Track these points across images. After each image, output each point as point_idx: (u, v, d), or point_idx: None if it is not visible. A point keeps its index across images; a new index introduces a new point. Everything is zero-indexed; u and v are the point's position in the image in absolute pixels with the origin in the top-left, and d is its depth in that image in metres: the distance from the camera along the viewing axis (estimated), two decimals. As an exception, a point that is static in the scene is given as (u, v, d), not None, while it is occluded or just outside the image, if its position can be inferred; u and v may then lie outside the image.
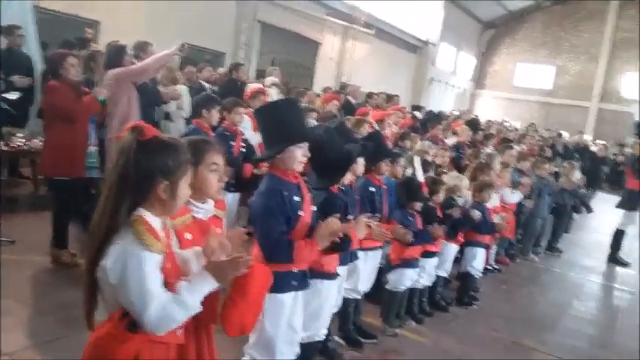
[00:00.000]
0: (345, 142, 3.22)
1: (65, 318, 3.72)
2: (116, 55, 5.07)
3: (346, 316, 3.93)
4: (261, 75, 11.37)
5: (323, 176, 3.01)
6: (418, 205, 4.24)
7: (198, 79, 7.56)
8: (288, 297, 2.73)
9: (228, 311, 2.00)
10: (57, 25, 9.54)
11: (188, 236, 2.02)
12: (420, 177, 4.62)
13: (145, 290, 1.65)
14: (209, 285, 1.78)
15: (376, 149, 3.62)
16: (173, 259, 1.83)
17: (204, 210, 2.15)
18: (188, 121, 6.24)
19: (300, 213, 2.66)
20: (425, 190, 4.46)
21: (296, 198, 2.66)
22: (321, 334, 3.22)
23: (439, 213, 4.55)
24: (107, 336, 1.72)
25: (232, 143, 4.95)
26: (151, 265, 1.67)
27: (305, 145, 2.68)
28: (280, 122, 2.65)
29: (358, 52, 18.19)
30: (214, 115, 4.77)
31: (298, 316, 2.84)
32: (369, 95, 10.09)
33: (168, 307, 1.69)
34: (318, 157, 2.84)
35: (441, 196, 4.54)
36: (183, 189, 1.79)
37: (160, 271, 1.71)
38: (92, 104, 4.58)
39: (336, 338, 3.92)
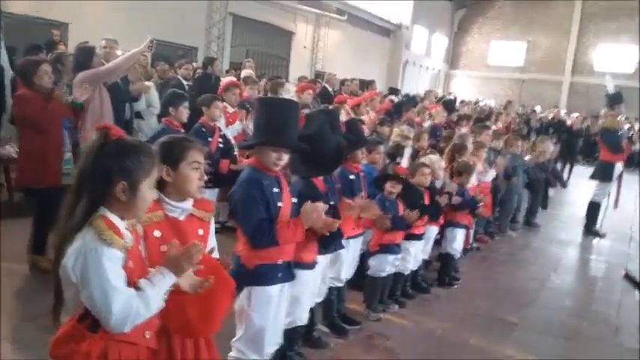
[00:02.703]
0: (332, 129, 3.25)
1: (48, 324, 3.72)
2: (85, 57, 5.02)
3: (330, 304, 3.98)
4: (234, 67, 11.34)
5: (312, 166, 3.02)
6: (397, 187, 4.26)
7: (177, 75, 7.53)
8: (275, 289, 2.77)
9: (167, 315, 1.92)
10: (23, 28, 9.38)
11: (157, 233, 2.03)
12: (405, 163, 4.66)
13: (108, 286, 1.64)
14: (167, 278, 1.78)
15: (353, 138, 3.66)
16: (139, 259, 1.82)
17: (180, 209, 2.13)
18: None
19: (280, 204, 2.70)
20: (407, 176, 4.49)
21: (275, 189, 2.70)
22: (303, 318, 3.27)
23: (426, 198, 4.60)
24: (65, 336, 1.70)
25: (210, 139, 4.97)
26: (112, 261, 1.67)
27: (283, 151, 2.69)
28: (267, 119, 2.68)
29: (331, 39, 18.20)
30: (183, 112, 4.75)
31: (283, 307, 2.90)
32: (342, 82, 10.12)
33: (132, 302, 1.69)
34: (311, 147, 2.87)
35: (424, 179, 4.57)
36: (145, 191, 1.78)
37: (122, 269, 1.71)
38: (61, 110, 4.50)
39: (321, 327, 3.98)
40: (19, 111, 4.49)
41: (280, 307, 2.85)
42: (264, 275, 2.72)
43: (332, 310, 4.04)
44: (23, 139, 4.66)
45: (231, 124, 5.91)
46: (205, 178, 2.23)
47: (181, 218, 2.14)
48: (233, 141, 5.33)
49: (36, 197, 4.74)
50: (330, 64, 17.30)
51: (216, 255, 2.13)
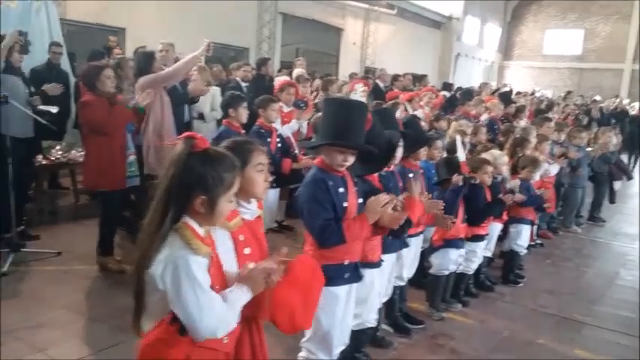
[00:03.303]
0: (386, 128, 3.21)
1: (119, 324, 3.83)
2: (145, 61, 5.13)
3: (392, 303, 3.94)
4: (285, 66, 11.39)
5: (365, 164, 2.96)
6: (459, 178, 4.15)
7: (235, 76, 7.62)
8: (342, 290, 2.75)
9: (274, 307, 2.01)
10: (83, 35, 9.71)
11: (241, 237, 2.07)
12: (462, 157, 4.54)
13: (200, 293, 1.68)
14: (245, 296, 1.84)
15: (414, 136, 3.59)
16: (217, 264, 1.86)
17: (251, 211, 2.17)
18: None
19: (345, 204, 2.67)
20: (466, 171, 4.37)
21: (341, 189, 2.67)
22: (371, 319, 3.25)
23: (488, 195, 4.48)
24: (156, 341, 1.76)
25: (269, 140, 5.01)
26: (200, 268, 1.71)
27: (349, 152, 2.65)
28: (334, 120, 2.66)
29: (381, 34, 18.04)
30: (242, 113, 4.80)
31: (351, 308, 2.88)
32: (395, 77, 9.98)
33: (224, 311, 1.74)
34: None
35: (487, 178, 4.43)
36: (223, 205, 1.79)
37: (207, 275, 1.74)
38: (124, 115, 4.62)
39: (384, 326, 3.94)
40: (85, 116, 4.63)
41: (348, 307, 2.83)
42: (330, 276, 2.69)
43: (394, 309, 4.00)
44: (88, 143, 4.79)
45: (286, 124, 5.93)
46: (270, 179, 2.24)
47: (252, 219, 2.18)
48: (293, 139, 5.36)
49: (102, 200, 4.89)
50: (380, 59, 17.14)
51: None
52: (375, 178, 3.16)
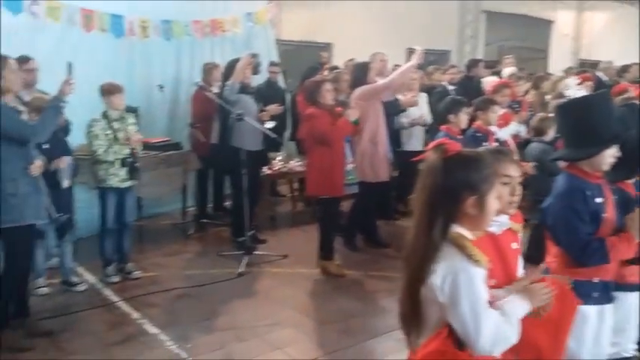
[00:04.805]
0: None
1: (346, 327, 3.98)
2: (361, 73, 5.30)
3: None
4: (488, 66, 10.90)
5: (616, 168, 2.62)
6: None
7: (439, 80, 7.52)
8: (591, 310, 2.49)
9: (520, 346, 1.85)
10: (293, 52, 10.41)
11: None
12: None
13: (479, 307, 1.63)
14: (524, 307, 1.75)
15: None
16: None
17: (498, 223, 2.04)
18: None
19: (604, 215, 2.42)
20: None
21: (598, 199, 2.43)
22: (629, 349, 2.89)
23: None
24: (435, 353, 1.72)
25: (485, 144, 4.80)
26: (481, 281, 1.65)
27: (614, 147, 2.43)
28: (591, 121, 2.44)
29: (597, 22, 16.41)
30: (463, 119, 4.71)
31: (606, 332, 2.57)
32: (624, 69, 8.88)
33: (502, 326, 1.66)
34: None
35: None
36: (492, 202, 1.73)
37: (485, 288, 1.68)
38: (346, 126, 4.81)
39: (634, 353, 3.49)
40: (309, 128, 4.92)
41: (601, 330, 2.54)
42: (576, 292, 2.44)
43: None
44: (312, 153, 5.06)
45: (501, 126, 5.64)
46: (519, 192, 2.11)
47: (498, 232, 2.05)
48: (512, 143, 5.08)
49: (323, 207, 5.15)
50: (597, 50, 15.57)
51: None
52: (627, 184, 2.80)
